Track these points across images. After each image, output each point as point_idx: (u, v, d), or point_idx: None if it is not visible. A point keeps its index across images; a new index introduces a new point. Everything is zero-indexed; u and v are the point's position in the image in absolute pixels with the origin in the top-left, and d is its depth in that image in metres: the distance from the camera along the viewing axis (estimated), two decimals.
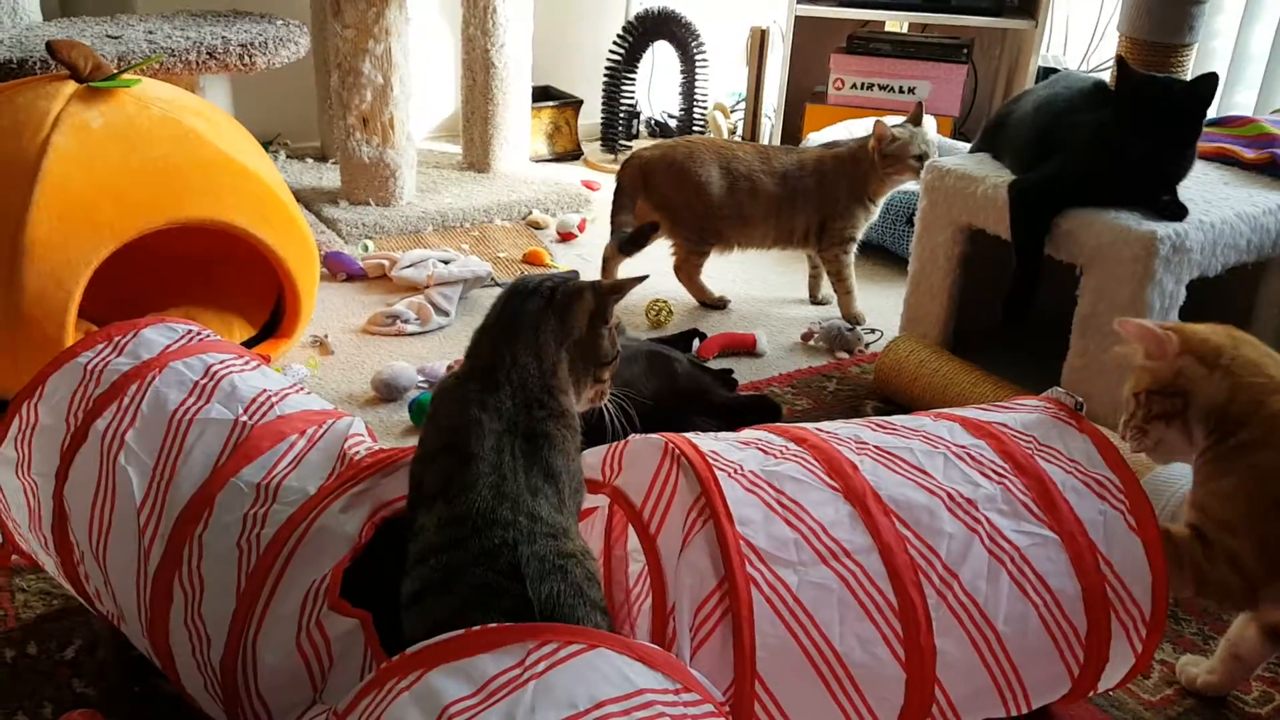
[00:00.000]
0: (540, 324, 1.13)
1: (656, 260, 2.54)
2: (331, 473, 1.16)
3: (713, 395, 1.97)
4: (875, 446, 1.24)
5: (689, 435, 1.23)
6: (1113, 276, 1.75)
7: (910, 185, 2.46)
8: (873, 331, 2.47)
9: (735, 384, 2.12)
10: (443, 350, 2.27)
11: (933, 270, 2.12)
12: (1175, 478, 1.64)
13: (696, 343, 2.33)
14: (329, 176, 3.21)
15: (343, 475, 1.14)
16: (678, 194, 2.47)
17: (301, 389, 1.35)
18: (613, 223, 2.54)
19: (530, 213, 3.09)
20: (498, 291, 1.18)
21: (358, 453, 1.18)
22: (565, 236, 2.98)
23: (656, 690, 0.85)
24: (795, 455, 1.21)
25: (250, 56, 2.48)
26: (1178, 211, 1.73)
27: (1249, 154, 2.04)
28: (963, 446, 1.26)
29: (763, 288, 2.75)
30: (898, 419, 1.34)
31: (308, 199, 3.01)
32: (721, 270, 2.68)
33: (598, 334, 1.17)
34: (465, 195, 3.12)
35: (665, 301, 2.50)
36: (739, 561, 1.07)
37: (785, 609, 1.07)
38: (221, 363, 1.32)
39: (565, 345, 1.14)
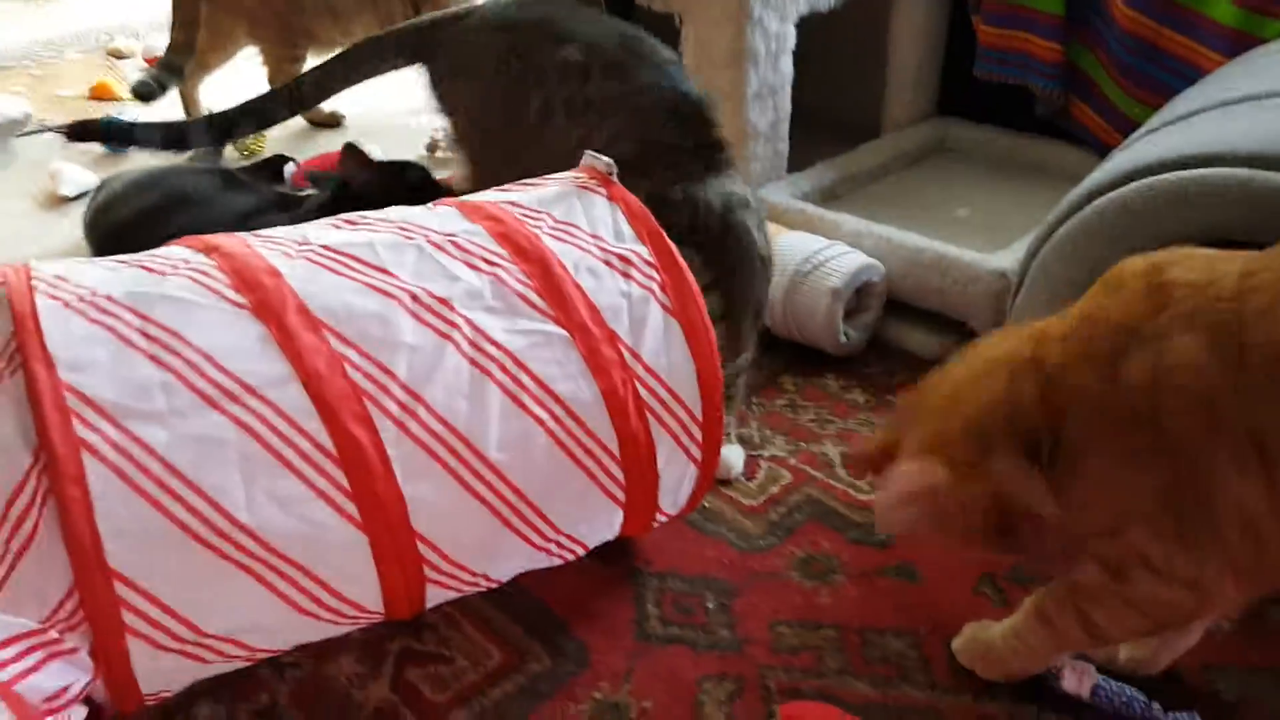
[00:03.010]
0: None
1: (247, 75, 2.12)
2: None
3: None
4: (321, 246, 0.94)
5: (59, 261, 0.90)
6: (710, 21, 1.48)
7: None
8: None
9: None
10: None
11: None
12: (790, 245, 1.43)
13: (290, 168, 1.95)
14: None
15: None
16: None
17: None
18: (170, 44, 2.08)
19: (112, 40, 2.57)
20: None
21: None
22: (154, 62, 2.48)
23: None
24: (192, 268, 0.89)
25: None
26: None
27: None
28: (448, 235, 0.97)
29: (385, 97, 2.35)
30: (379, 213, 1.03)
31: None
32: None
33: None
34: (23, 30, 2.58)
35: None
36: (58, 420, 0.75)
37: (147, 478, 0.76)
38: None
39: None
